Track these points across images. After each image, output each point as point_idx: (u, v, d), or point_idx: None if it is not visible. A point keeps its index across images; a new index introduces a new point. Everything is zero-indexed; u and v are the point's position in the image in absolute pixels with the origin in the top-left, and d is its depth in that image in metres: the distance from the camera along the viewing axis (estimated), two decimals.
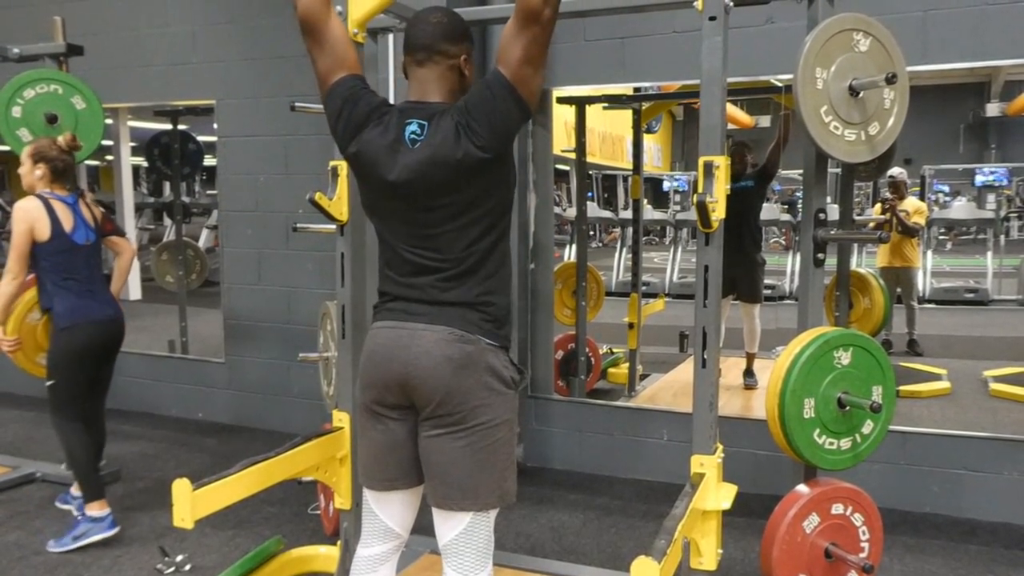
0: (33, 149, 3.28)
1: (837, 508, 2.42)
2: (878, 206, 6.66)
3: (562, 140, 5.41)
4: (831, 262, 2.72)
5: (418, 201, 1.78)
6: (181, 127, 6.13)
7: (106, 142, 5.41)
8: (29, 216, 3.15)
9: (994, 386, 5.31)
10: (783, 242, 10.64)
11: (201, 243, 9.11)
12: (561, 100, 4.72)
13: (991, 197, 10.17)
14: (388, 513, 1.94)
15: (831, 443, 2.39)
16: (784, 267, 9.42)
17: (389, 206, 1.83)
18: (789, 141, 4.86)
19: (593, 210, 10.59)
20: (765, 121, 7.69)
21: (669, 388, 5.29)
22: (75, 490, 3.45)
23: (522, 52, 1.70)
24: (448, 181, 1.74)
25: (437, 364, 1.75)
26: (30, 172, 3.27)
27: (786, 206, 10.33)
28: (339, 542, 2.68)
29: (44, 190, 3.26)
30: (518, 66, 1.71)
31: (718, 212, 2.16)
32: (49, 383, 3.28)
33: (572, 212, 6.65)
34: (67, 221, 3.23)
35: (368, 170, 1.83)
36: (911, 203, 6.35)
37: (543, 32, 1.70)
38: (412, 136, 1.77)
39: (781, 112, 4.84)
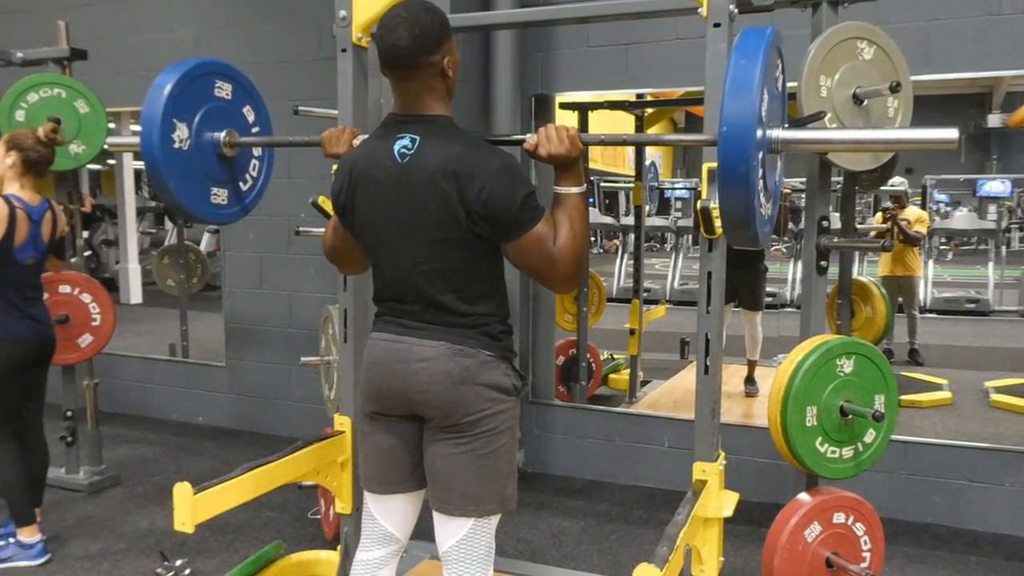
0: (8, 136, 3.08)
1: (839, 517, 2.41)
2: (879, 215, 6.67)
3: None
4: (833, 270, 2.72)
5: (405, 223, 1.75)
6: None
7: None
8: None
9: (995, 397, 5.30)
10: (784, 249, 10.63)
11: (202, 247, 9.10)
12: (564, 106, 4.73)
13: (992, 208, 10.18)
14: (388, 517, 1.94)
15: (833, 452, 2.38)
16: (786, 275, 9.42)
17: (378, 232, 1.81)
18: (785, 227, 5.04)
19: (595, 216, 10.60)
20: None
21: (670, 395, 5.28)
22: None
23: (529, 266, 1.76)
24: (439, 199, 1.70)
25: (436, 379, 1.75)
26: (1, 160, 3.05)
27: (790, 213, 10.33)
28: (339, 547, 2.67)
29: (13, 193, 3.02)
30: (521, 258, 1.75)
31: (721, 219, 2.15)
32: None
33: None
34: (20, 235, 2.99)
35: (354, 188, 1.81)
36: (912, 212, 6.36)
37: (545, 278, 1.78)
38: (402, 150, 1.74)
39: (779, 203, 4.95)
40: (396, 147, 1.74)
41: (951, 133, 1.60)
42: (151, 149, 2.20)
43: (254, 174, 2.61)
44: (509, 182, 1.69)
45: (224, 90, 2.45)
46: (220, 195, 2.44)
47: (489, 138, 1.92)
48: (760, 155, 1.66)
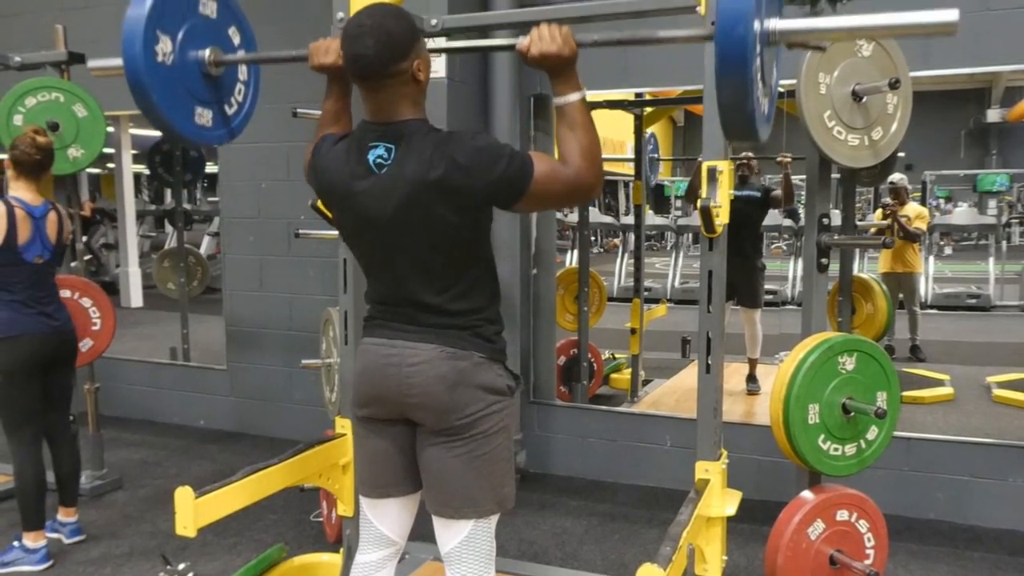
0: (13, 140, 3.13)
1: (842, 514, 2.41)
2: (879, 212, 6.66)
3: None
4: (833, 267, 2.72)
5: (390, 233, 1.71)
6: None
7: (107, 150, 5.41)
8: None
9: (997, 392, 5.30)
10: (784, 247, 10.63)
11: (203, 250, 9.13)
12: None
13: (992, 203, 10.18)
14: (383, 520, 1.93)
15: (836, 449, 2.38)
16: (786, 272, 9.41)
17: (363, 240, 1.80)
18: (793, 195, 5.22)
19: (594, 215, 10.59)
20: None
21: (671, 394, 5.27)
22: (62, 516, 3.35)
23: (554, 200, 1.82)
24: (422, 207, 1.66)
25: (431, 383, 1.73)
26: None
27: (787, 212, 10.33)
28: (342, 549, 2.67)
29: (12, 195, 3.05)
30: (541, 201, 1.75)
31: (722, 217, 2.15)
32: None
33: (574, 217, 6.67)
34: (23, 234, 3.01)
35: (333, 202, 1.79)
36: (912, 208, 6.36)
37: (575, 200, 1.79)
38: (378, 160, 1.69)
39: (783, 171, 5.00)
40: (371, 157, 1.71)
41: (951, 15, 1.54)
42: (133, 59, 2.11)
43: (240, 98, 2.54)
44: (487, 162, 1.65)
45: (209, 8, 2.35)
46: (204, 116, 2.36)
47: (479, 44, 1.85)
48: (758, 47, 1.57)
